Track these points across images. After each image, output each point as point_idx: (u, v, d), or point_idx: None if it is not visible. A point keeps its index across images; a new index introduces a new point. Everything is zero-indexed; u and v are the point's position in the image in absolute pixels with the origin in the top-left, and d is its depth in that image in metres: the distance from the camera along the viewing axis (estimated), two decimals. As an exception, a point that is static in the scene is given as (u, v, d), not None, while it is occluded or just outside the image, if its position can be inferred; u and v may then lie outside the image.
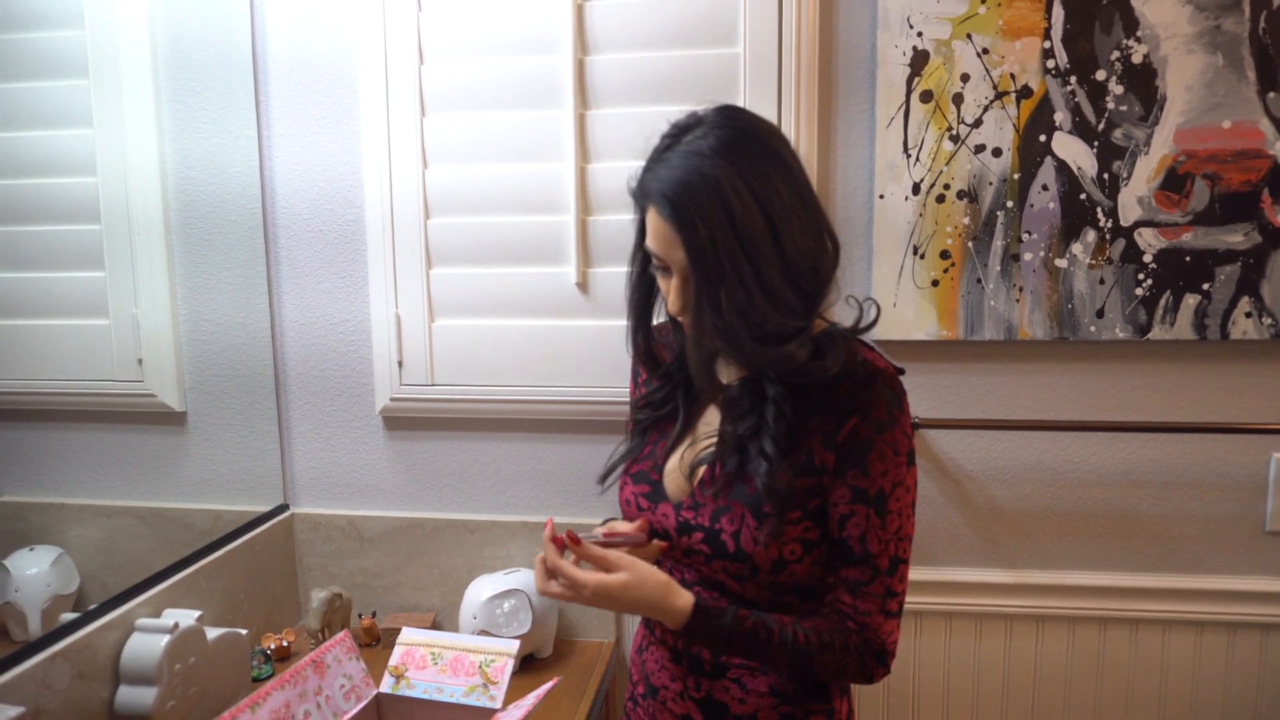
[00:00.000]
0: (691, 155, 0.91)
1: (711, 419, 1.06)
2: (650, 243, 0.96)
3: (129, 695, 1.21)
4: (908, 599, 1.60)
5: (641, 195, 0.97)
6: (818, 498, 0.98)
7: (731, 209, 0.89)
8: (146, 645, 1.22)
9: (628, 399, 1.23)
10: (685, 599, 0.96)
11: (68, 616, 1.20)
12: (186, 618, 1.27)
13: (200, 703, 1.27)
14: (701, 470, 1.03)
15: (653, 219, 0.94)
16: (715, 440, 1.02)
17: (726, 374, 1.05)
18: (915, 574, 1.57)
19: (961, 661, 1.59)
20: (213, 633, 1.32)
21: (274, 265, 1.66)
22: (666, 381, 1.11)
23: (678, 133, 0.96)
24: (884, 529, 0.96)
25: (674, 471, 1.06)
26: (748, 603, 1.02)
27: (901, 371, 1.00)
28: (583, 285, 1.56)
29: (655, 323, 1.11)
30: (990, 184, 1.44)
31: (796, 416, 0.97)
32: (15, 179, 1.20)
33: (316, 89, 1.60)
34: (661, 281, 1.00)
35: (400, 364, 1.62)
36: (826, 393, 0.96)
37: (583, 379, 1.57)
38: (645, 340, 1.10)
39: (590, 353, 1.56)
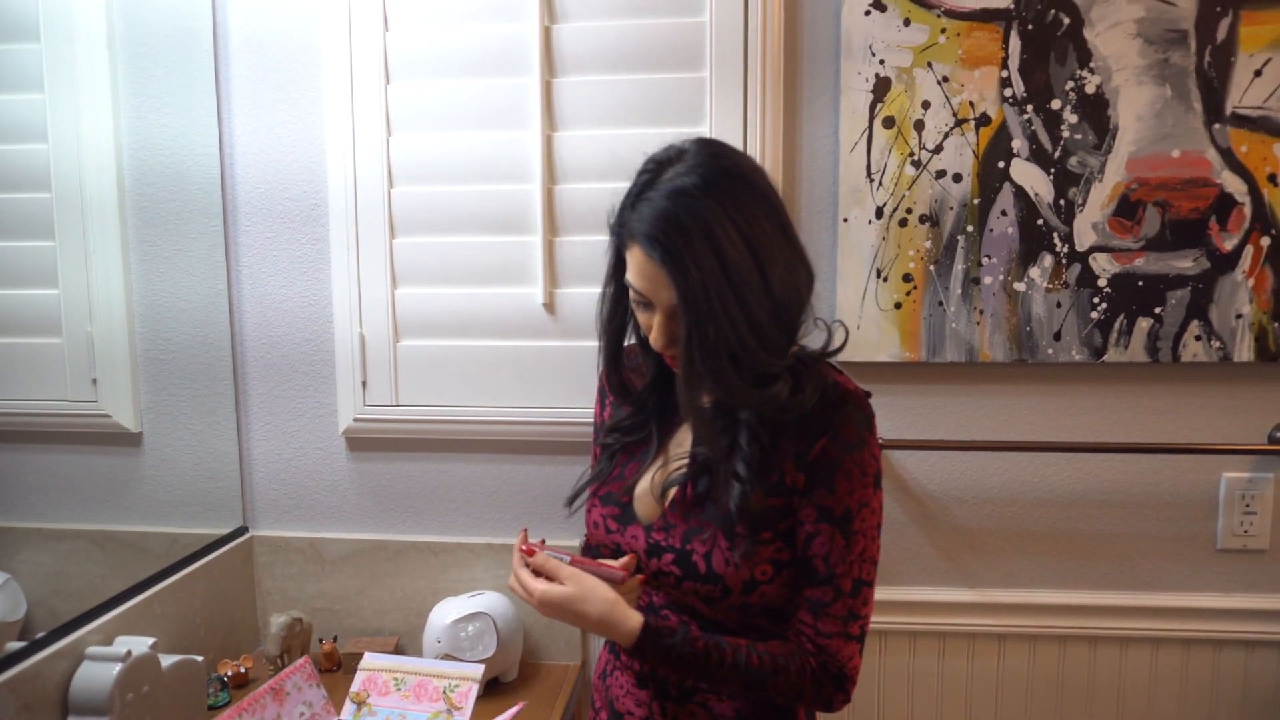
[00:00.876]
0: (677, 194, 0.90)
1: (683, 440, 1.06)
2: (634, 280, 0.95)
3: (78, 727, 1.17)
4: (872, 619, 1.62)
5: (624, 233, 0.95)
6: (789, 517, 0.98)
7: (722, 251, 0.88)
8: (97, 674, 1.19)
9: (593, 420, 1.23)
10: (634, 618, 0.96)
11: (14, 645, 1.16)
12: (140, 645, 1.24)
13: (153, 733, 1.24)
14: (673, 491, 1.03)
15: (638, 257, 0.93)
16: (687, 462, 1.03)
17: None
18: (879, 594, 1.58)
19: (925, 680, 1.60)
20: (167, 660, 1.28)
21: (234, 283, 1.63)
22: (640, 409, 1.10)
23: (657, 168, 0.94)
24: (849, 550, 0.96)
25: (645, 494, 1.06)
26: (718, 624, 1.02)
27: (868, 394, 1.02)
28: (549, 306, 1.56)
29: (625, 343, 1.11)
30: (951, 209, 1.47)
31: (770, 437, 0.98)
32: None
33: (281, 104, 1.59)
34: (641, 314, 0.99)
35: (364, 384, 1.60)
36: (799, 413, 0.97)
37: (549, 399, 1.57)
38: (618, 370, 1.10)
39: (557, 373, 1.56)
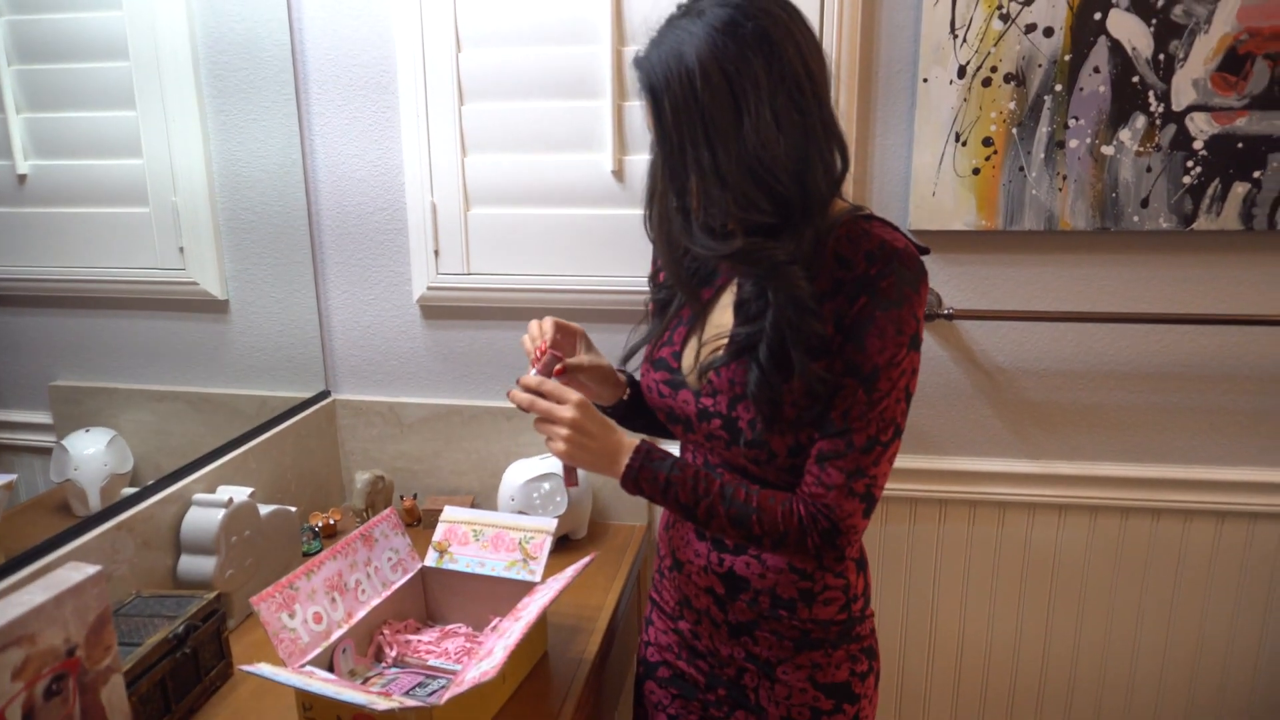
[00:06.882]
0: (679, 33, 0.90)
1: (727, 303, 1.06)
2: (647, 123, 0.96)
3: (190, 564, 1.28)
4: (932, 488, 1.63)
5: (637, 75, 0.96)
6: None
7: (696, 90, 0.87)
8: (204, 518, 1.28)
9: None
10: (635, 437, 1.02)
11: (128, 491, 1.26)
12: (240, 493, 1.33)
13: (256, 573, 1.34)
14: (711, 371, 1.04)
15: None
16: (725, 341, 1.03)
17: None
18: (940, 463, 1.60)
19: (983, 548, 1.63)
20: (265, 509, 1.38)
21: (309, 153, 1.65)
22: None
23: (681, 11, 0.94)
24: (870, 407, 0.94)
25: (691, 363, 1.07)
26: (768, 484, 1.04)
27: (925, 251, 0.98)
28: (618, 173, 1.54)
29: None
30: (1039, 66, 1.39)
31: (809, 310, 0.94)
32: (49, 63, 1.19)
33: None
34: None
35: (437, 253, 1.63)
36: (842, 274, 0.94)
37: (617, 268, 1.57)
38: None
39: (625, 241, 1.56)
